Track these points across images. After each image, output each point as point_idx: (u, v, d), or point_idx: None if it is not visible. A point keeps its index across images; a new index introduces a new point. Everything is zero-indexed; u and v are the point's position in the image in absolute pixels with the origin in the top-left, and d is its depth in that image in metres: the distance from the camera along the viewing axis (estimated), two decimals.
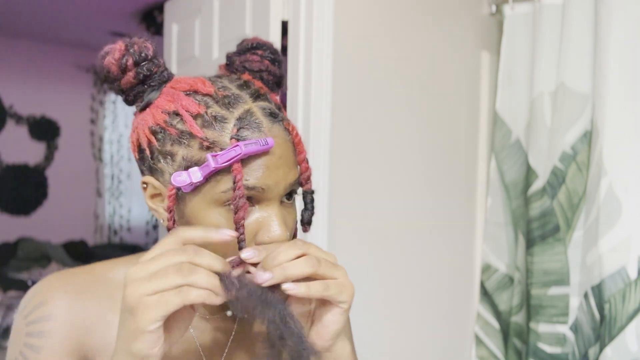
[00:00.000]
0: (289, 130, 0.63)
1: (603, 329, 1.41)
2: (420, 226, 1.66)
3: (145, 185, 0.65)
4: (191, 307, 0.54)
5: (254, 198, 0.60)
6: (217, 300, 0.52)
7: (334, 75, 1.42)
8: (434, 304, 1.70)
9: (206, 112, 0.60)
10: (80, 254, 4.67)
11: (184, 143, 0.60)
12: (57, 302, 0.63)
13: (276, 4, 1.46)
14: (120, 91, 0.64)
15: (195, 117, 0.60)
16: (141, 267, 0.52)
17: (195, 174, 0.58)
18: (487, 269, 1.76)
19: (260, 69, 0.67)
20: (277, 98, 0.67)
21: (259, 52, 0.68)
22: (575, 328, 1.52)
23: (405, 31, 1.59)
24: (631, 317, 1.38)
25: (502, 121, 1.71)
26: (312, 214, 0.66)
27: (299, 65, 1.42)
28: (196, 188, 0.60)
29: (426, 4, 1.64)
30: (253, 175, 0.58)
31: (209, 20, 1.76)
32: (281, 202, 0.62)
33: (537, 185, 1.57)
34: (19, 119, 4.82)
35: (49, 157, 4.98)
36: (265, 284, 0.54)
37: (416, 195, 1.64)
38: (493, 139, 1.75)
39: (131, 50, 0.62)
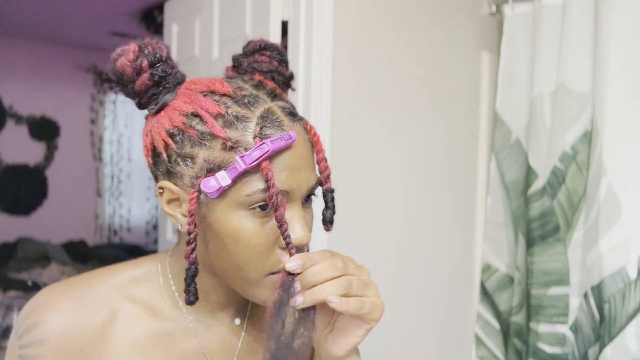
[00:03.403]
0: (307, 129, 0.63)
1: (603, 329, 1.41)
2: (420, 226, 1.66)
3: (161, 191, 0.63)
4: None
5: None
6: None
7: (334, 75, 1.42)
8: (434, 304, 1.70)
9: (227, 112, 0.59)
10: (80, 254, 4.67)
11: (205, 144, 0.58)
12: (50, 325, 0.61)
13: (276, 4, 1.46)
14: (134, 94, 0.62)
15: (216, 117, 0.59)
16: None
17: (224, 179, 0.57)
18: (487, 269, 1.76)
19: (270, 69, 0.67)
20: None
21: (267, 52, 0.67)
22: (575, 328, 1.52)
23: (405, 31, 1.59)
24: (631, 317, 1.38)
25: (502, 121, 1.71)
26: (334, 212, 0.66)
27: (299, 65, 1.42)
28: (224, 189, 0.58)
29: (426, 4, 1.64)
30: (277, 178, 0.58)
31: (209, 20, 1.76)
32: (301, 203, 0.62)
33: (537, 185, 1.57)
34: (19, 119, 4.82)
35: (49, 157, 4.98)
36: (298, 307, 0.55)
37: (416, 195, 1.64)
38: (493, 139, 1.75)
39: (145, 52, 0.60)
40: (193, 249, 0.60)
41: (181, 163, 0.60)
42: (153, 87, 0.62)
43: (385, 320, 1.59)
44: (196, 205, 0.58)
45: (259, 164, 0.56)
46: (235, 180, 0.57)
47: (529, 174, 1.59)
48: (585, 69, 1.50)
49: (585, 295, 1.48)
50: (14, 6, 3.95)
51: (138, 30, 4.39)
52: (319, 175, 0.64)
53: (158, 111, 0.62)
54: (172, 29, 2.00)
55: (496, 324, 1.75)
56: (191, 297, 0.61)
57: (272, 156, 0.57)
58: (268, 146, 0.56)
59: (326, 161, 0.64)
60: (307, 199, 0.63)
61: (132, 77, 0.61)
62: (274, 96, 0.62)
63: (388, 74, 1.55)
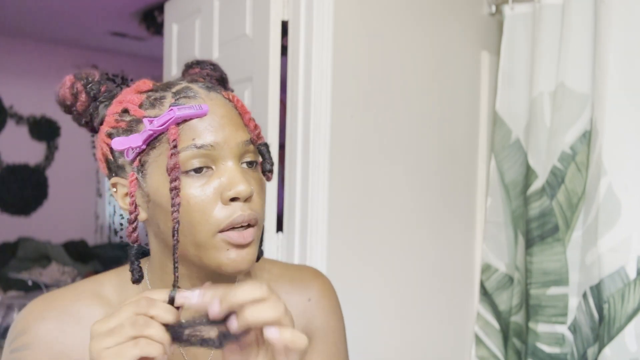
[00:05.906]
0: (229, 98, 0.66)
1: (602, 329, 1.41)
2: (420, 226, 1.66)
3: (115, 189, 0.67)
4: None
5: (209, 158, 0.61)
6: (165, 357, 0.51)
7: (334, 75, 1.42)
8: (434, 304, 1.70)
9: (148, 98, 0.64)
10: (80, 254, 4.68)
11: (134, 129, 0.63)
12: (35, 331, 0.65)
13: (276, 4, 1.47)
14: (80, 116, 0.69)
15: (140, 105, 0.64)
16: (102, 322, 0.52)
17: (135, 139, 0.61)
18: (487, 268, 1.76)
19: (202, 76, 0.73)
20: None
21: (199, 65, 0.75)
22: (574, 328, 1.52)
23: (405, 31, 1.59)
24: (630, 317, 1.38)
25: (502, 121, 1.71)
26: (272, 163, 0.67)
27: (299, 65, 1.42)
28: (154, 162, 0.62)
29: (426, 4, 1.64)
30: (200, 135, 0.61)
31: (209, 20, 1.76)
32: (242, 165, 0.64)
33: (536, 185, 1.57)
34: (19, 119, 4.82)
35: (49, 157, 4.98)
36: (234, 330, 0.52)
37: (416, 194, 1.64)
38: (493, 139, 1.75)
39: (78, 77, 0.68)
40: (134, 228, 0.65)
41: (121, 156, 0.65)
42: (91, 104, 0.68)
43: (386, 319, 1.59)
44: (136, 187, 0.63)
45: (167, 129, 0.60)
46: (159, 147, 0.61)
47: (529, 174, 1.60)
48: (584, 69, 1.50)
49: (585, 295, 1.48)
50: (14, 6, 3.95)
51: (138, 30, 4.40)
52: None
53: (101, 122, 0.68)
54: (172, 29, 2.01)
55: (496, 324, 1.75)
56: (135, 275, 0.66)
57: (188, 122, 0.61)
58: (174, 112, 0.60)
59: (254, 121, 0.67)
60: (249, 164, 0.64)
61: (73, 100, 0.68)
62: (194, 81, 0.66)
63: (388, 74, 1.55)
